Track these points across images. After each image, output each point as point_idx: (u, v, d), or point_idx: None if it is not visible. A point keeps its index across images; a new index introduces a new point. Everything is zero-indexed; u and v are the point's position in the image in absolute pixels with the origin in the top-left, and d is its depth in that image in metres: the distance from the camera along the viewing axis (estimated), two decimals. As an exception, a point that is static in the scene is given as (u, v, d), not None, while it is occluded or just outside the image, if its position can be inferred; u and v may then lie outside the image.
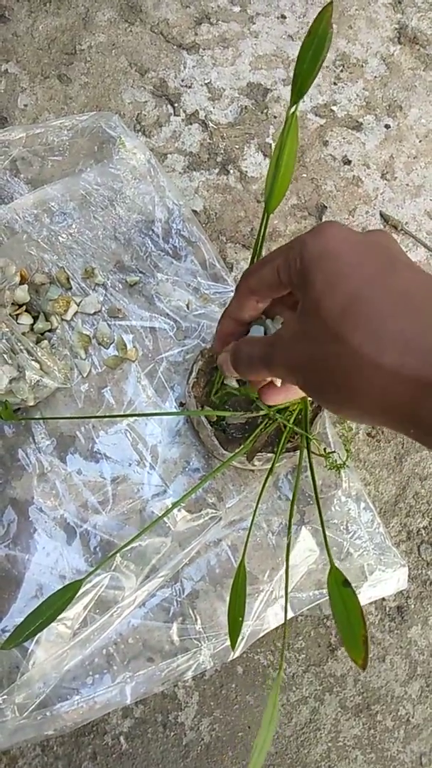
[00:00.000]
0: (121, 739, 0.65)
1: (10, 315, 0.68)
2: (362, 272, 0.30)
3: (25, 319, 0.69)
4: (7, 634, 0.64)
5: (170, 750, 0.65)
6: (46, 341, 0.69)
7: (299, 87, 0.45)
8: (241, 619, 0.53)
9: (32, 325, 0.70)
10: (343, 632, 0.45)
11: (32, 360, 0.67)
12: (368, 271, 0.30)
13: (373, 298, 0.29)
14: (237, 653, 0.64)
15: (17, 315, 0.70)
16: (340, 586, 0.46)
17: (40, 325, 0.70)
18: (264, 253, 0.75)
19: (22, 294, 0.69)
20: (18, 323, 0.69)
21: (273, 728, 0.42)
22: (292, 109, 0.46)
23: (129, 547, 0.66)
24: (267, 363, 0.36)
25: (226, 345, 0.44)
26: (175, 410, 0.70)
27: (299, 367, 0.33)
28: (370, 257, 0.32)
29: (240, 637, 0.65)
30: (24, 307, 0.70)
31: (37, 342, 0.69)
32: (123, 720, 0.66)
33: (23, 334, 0.68)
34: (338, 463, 0.66)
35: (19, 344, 0.66)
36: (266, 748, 0.41)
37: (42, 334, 0.70)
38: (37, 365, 0.67)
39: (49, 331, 0.70)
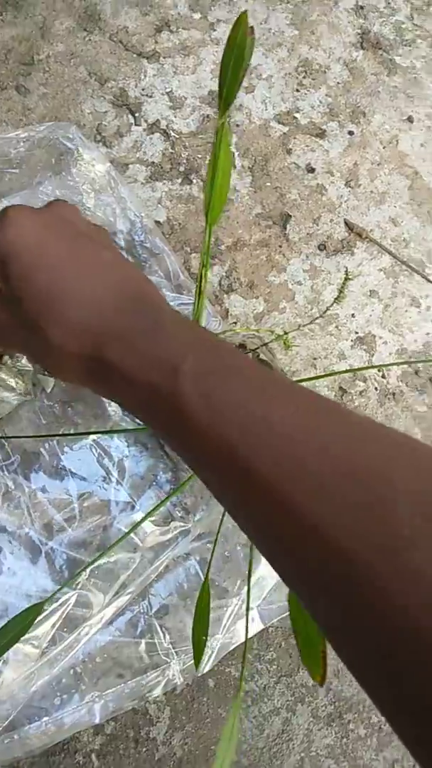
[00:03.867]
0: (93, 756, 0.65)
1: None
2: (48, 263, 0.35)
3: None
4: (-26, 656, 0.64)
5: (142, 766, 0.65)
6: (6, 356, 0.68)
7: (225, 97, 0.45)
8: (205, 638, 0.53)
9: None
10: (303, 647, 0.45)
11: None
12: (53, 261, 0.35)
13: (58, 292, 0.35)
14: (207, 668, 0.64)
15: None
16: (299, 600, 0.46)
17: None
18: (214, 267, 0.74)
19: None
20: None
21: (233, 745, 0.42)
22: (221, 121, 0.45)
23: (96, 565, 0.66)
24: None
25: None
26: (140, 425, 0.70)
27: (20, 347, 0.40)
28: (53, 243, 0.36)
29: (209, 652, 0.65)
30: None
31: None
32: (94, 737, 0.65)
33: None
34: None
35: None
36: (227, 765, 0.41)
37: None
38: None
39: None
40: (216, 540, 0.56)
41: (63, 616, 0.64)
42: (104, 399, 0.69)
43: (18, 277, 0.35)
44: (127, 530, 0.67)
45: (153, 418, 0.34)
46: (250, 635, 0.66)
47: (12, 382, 0.67)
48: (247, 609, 0.51)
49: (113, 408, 0.70)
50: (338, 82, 0.82)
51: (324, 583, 0.26)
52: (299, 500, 0.26)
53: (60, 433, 0.69)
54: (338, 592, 0.25)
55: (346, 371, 0.52)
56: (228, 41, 0.45)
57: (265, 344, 0.64)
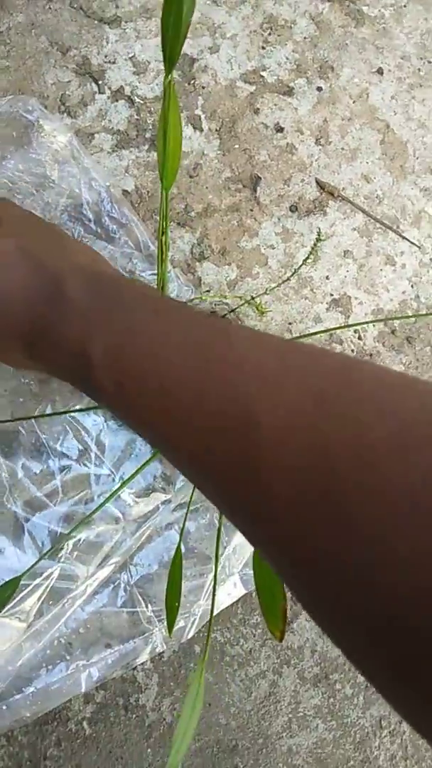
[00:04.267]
0: (84, 724, 0.66)
1: None
2: None
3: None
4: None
5: (133, 731, 0.66)
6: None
7: (168, 55, 0.44)
8: (177, 604, 0.53)
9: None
10: (264, 603, 0.45)
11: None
12: None
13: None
14: (190, 635, 0.65)
15: None
16: (262, 559, 0.46)
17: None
18: (185, 235, 0.73)
19: None
20: None
21: (197, 715, 0.43)
22: (167, 80, 0.44)
23: (80, 538, 0.66)
24: None
25: None
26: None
27: None
28: None
29: (192, 618, 0.65)
30: None
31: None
32: (85, 706, 0.66)
33: None
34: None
35: None
36: (188, 737, 0.42)
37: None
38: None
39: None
40: (188, 506, 0.56)
41: (48, 590, 0.65)
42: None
43: None
44: (109, 503, 0.67)
45: (81, 390, 0.38)
46: (233, 600, 0.67)
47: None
48: (215, 580, 0.51)
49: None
50: (305, 37, 0.80)
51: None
52: (186, 446, 0.32)
53: (36, 414, 0.69)
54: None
55: (321, 332, 0.51)
56: (165, -2, 0.43)
57: (233, 310, 0.64)
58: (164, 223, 0.55)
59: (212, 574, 0.67)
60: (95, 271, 0.40)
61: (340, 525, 0.24)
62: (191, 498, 0.60)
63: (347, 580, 0.23)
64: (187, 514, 0.57)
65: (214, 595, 0.52)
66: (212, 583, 0.66)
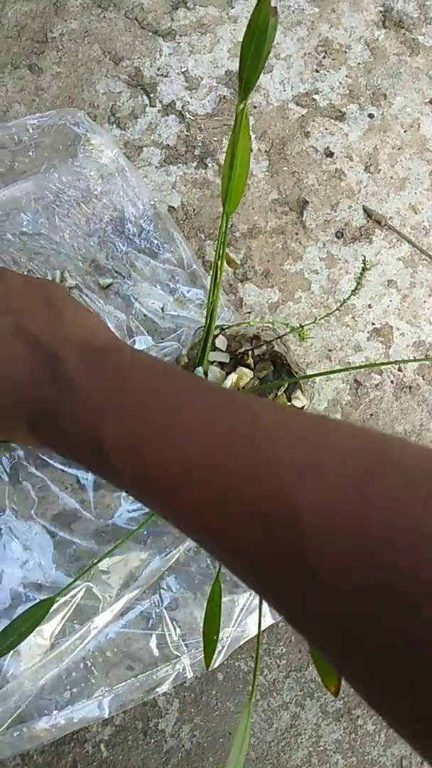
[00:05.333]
0: (102, 747, 0.65)
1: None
2: None
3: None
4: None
5: (151, 757, 0.65)
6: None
7: (245, 83, 0.43)
8: (216, 637, 0.52)
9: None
10: (316, 658, 0.44)
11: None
12: None
13: None
14: (217, 663, 0.64)
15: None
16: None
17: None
18: (227, 252, 0.72)
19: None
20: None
21: (244, 751, 0.42)
22: (241, 107, 0.44)
23: (107, 557, 0.65)
24: None
25: None
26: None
27: None
28: None
29: (220, 646, 0.64)
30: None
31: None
32: (103, 728, 0.65)
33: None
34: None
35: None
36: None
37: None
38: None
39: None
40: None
41: (72, 608, 0.64)
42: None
43: None
44: (138, 521, 0.66)
45: (96, 474, 0.38)
46: (262, 629, 0.66)
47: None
48: (260, 605, 0.50)
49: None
50: (359, 63, 0.79)
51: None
52: (217, 537, 0.30)
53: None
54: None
55: (362, 366, 0.51)
56: (249, 23, 0.43)
57: (280, 337, 0.63)
58: (222, 248, 0.54)
59: (242, 602, 0.66)
60: (97, 347, 0.37)
61: (404, 618, 0.23)
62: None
63: (406, 677, 0.22)
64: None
65: (260, 625, 0.51)
66: (242, 609, 0.65)
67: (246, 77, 0.47)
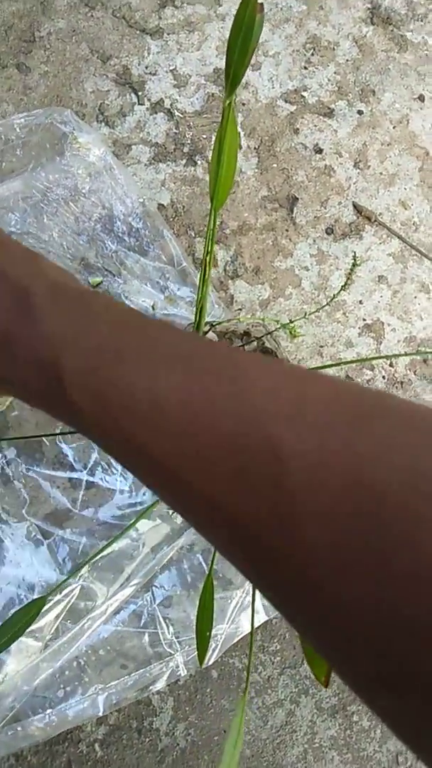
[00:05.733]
0: (96, 746, 0.65)
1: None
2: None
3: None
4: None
5: (146, 756, 0.65)
6: None
7: (232, 78, 0.43)
8: (209, 633, 0.52)
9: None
10: (308, 648, 0.44)
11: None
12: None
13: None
14: (211, 660, 0.63)
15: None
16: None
17: None
18: (219, 252, 0.72)
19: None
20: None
21: (239, 749, 0.42)
22: (228, 101, 0.44)
23: (99, 555, 0.65)
24: None
25: None
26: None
27: None
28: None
29: (214, 644, 0.64)
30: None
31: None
32: (97, 727, 0.65)
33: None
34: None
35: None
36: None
37: None
38: None
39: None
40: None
41: (67, 608, 0.63)
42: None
43: None
44: (130, 521, 0.66)
45: (54, 415, 0.32)
46: (255, 627, 0.65)
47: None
48: (253, 601, 0.50)
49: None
50: (347, 60, 0.79)
51: (235, 558, 0.25)
52: (187, 477, 0.25)
53: (59, 432, 0.68)
54: (246, 568, 0.25)
55: (354, 361, 0.51)
56: (236, 19, 0.43)
57: (269, 333, 0.63)
58: (210, 244, 0.54)
59: (235, 599, 0.66)
60: (66, 284, 0.35)
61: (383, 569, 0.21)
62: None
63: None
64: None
65: (252, 621, 0.51)
66: (236, 606, 0.65)
67: (233, 72, 0.47)
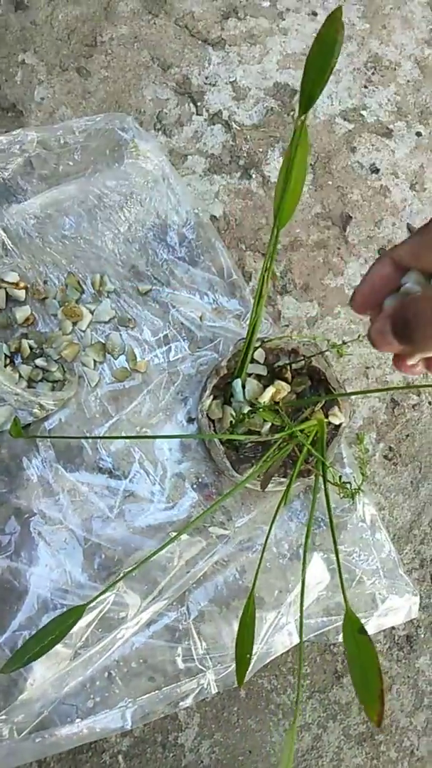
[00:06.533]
0: (120, 758, 0.64)
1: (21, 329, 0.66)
2: None
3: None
4: (6, 648, 0.63)
5: (169, 772, 0.64)
6: (52, 348, 0.67)
7: (307, 97, 0.43)
8: (249, 656, 0.51)
9: (35, 347, 0.68)
10: (358, 685, 0.43)
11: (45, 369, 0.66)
12: None
13: None
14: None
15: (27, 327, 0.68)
16: (356, 634, 0.44)
17: (46, 348, 0.68)
18: (274, 267, 0.72)
19: (23, 314, 0.67)
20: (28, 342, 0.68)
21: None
22: (302, 119, 0.43)
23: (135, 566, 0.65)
24: None
25: (370, 306, 0.37)
26: (185, 424, 0.68)
27: None
28: None
29: (244, 663, 0.63)
30: (29, 320, 0.68)
31: (42, 355, 0.67)
32: (122, 739, 0.64)
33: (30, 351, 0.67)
34: (353, 489, 0.64)
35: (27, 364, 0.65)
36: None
37: (40, 347, 0.68)
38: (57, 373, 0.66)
39: (51, 347, 0.68)
40: (263, 551, 0.54)
41: (99, 617, 0.63)
42: (148, 398, 0.68)
43: None
44: (166, 531, 0.66)
45: None
46: (285, 649, 0.65)
47: (68, 376, 0.66)
48: (301, 623, 0.49)
49: (156, 407, 0.68)
50: (408, 80, 0.79)
51: None
52: None
53: (103, 432, 0.67)
54: None
55: (401, 388, 0.50)
56: (318, 36, 0.42)
57: (321, 353, 0.62)
58: (270, 261, 0.54)
59: (269, 621, 0.65)
60: None
61: None
62: (265, 544, 0.58)
63: None
64: (261, 559, 0.55)
65: (301, 638, 0.50)
66: (270, 627, 0.64)
67: (309, 90, 0.47)
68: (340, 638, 0.65)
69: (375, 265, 0.35)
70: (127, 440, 0.68)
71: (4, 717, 0.59)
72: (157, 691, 0.61)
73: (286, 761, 0.40)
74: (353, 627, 0.44)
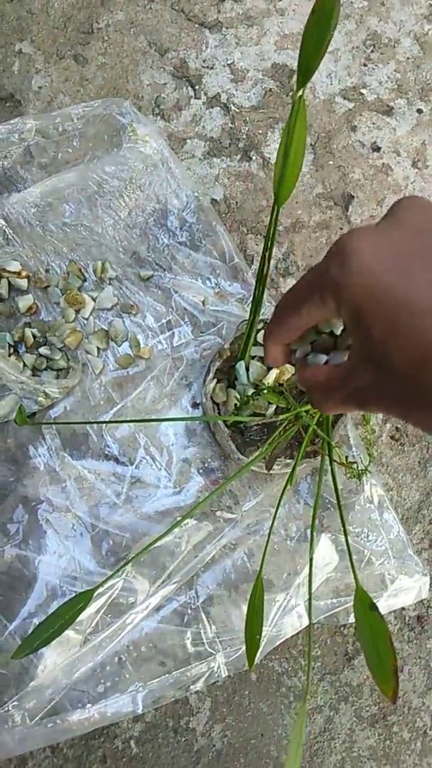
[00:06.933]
0: (132, 743, 0.64)
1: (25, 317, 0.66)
2: (415, 305, 0.28)
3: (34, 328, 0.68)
4: (16, 636, 0.63)
5: (181, 756, 0.64)
6: (55, 336, 0.67)
7: (305, 70, 0.42)
8: (258, 637, 0.51)
9: (39, 334, 0.68)
10: (371, 661, 0.43)
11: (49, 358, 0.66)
12: (419, 301, 0.28)
13: None
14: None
15: (31, 315, 0.68)
16: (367, 610, 0.44)
17: (49, 335, 0.68)
18: (275, 250, 0.71)
19: (26, 303, 0.67)
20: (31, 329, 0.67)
21: (299, 753, 0.41)
22: (299, 93, 0.43)
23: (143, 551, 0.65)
24: (360, 404, 0.34)
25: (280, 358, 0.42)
26: (190, 409, 0.68)
27: (394, 407, 0.31)
28: (410, 271, 0.28)
29: (254, 646, 0.63)
30: (32, 309, 0.68)
31: (45, 343, 0.67)
32: (134, 724, 0.64)
33: (33, 339, 0.66)
34: (360, 469, 0.63)
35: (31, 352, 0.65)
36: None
37: (44, 336, 0.68)
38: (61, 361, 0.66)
39: (54, 335, 0.68)
40: (270, 534, 0.53)
41: (108, 602, 0.63)
42: (152, 383, 0.68)
43: (383, 331, 0.29)
44: (173, 517, 0.66)
45: None
46: (295, 632, 0.64)
47: (71, 365, 0.66)
48: (310, 605, 0.49)
49: (161, 393, 0.68)
50: (408, 57, 0.78)
51: None
52: None
53: (108, 419, 0.67)
54: None
55: None
56: (313, 9, 0.42)
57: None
58: (271, 241, 0.53)
59: (278, 603, 0.65)
60: None
61: None
62: (272, 526, 0.57)
63: None
64: (267, 544, 0.55)
65: (310, 622, 0.50)
66: (279, 609, 0.64)
67: (306, 64, 0.46)
68: (351, 619, 0.65)
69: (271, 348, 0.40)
70: (133, 427, 0.68)
71: (16, 703, 0.59)
72: (167, 675, 0.61)
73: (295, 745, 0.40)
74: (364, 603, 0.44)
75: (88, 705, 0.60)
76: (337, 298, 0.30)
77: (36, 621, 0.63)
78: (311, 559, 0.51)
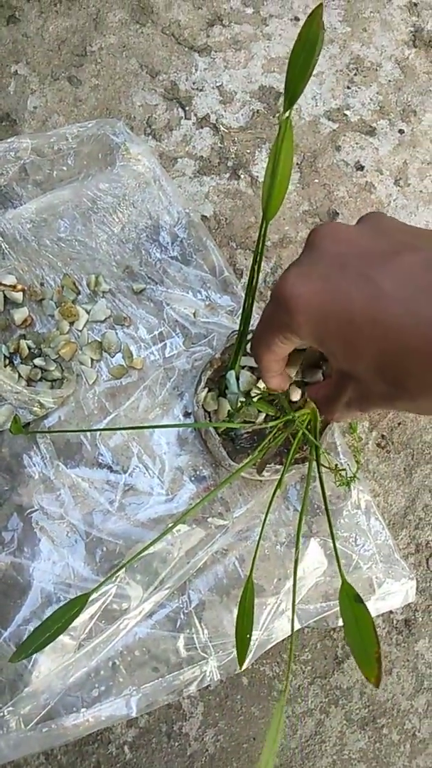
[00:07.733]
0: (125, 748, 0.65)
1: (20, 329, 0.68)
2: (358, 321, 0.32)
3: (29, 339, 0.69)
4: (11, 643, 0.64)
5: (174, 760, 0.65)
6: (50, 348, 0.69)
7: (291, 92, 0.45)
8: (249, 636, 0.52)
9: (34, 346, 0.70)
10: (356, 649, 0.44)
11: (44, 368, 0.67)
12: (361, 316, 0.32)
13: (400, 350, 0.31)
14: (243, 667, 0.64)
15: (25, 328, 0.69)
16: (352, 602, 0.46)
17: (46, 346, 0.69)
18: (264, 264, 0.74)
19: (21, 316, 0.69)
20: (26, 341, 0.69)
21: (275, 749, 0.42)
22: (285, 115, 0.45)
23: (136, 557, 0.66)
24: (360, 409, 0.40)
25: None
26: (181, 418, 0.70)
27: (387, 405, 0.36)
28: (345, 295, 0.32)
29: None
30: (27, 321, 0.70)
31: (40, 354, 0.69)
32: (127, 729, 0.65)
33: (29, 351, 0.68)
34: (348, 477, 0.65)
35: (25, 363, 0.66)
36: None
37: (39, 347, 0.69)
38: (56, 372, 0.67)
39: (49, 347, 0.69)
40: (259, 539, 0.55)
41: (102, 608, 0.64)
42: (145, 393, 0.69)
43: (345, 353, 0.33)
44: (166, 523, 0.67)
45: None
46: (285, 635, 0.66)
47: (66, 375, 0.68)
48: (293, 608, 0.50)
49: (153, 403, 0.70)
50: (390, 80, 0.81)
51: None
52: None
53: (102, 427, 0.69)
54: None
55: None
56: (300, 34, 0.44)
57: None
58: (259, 256, 0.55)
59: (269, 606, 0.66)
60: None
61: None
62: (261, 531, 0.59)
63: None
64: (257, 549, 0.57)
65: (293, 623, 0.51)
66: (269, 614, 0.66)
67: (293, 86, 0.49)
68: (340, 622, 0.66)
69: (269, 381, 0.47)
70: (126, 435, 0.69)
71: (11, 709, 0.60)
72: (160, 679, 0.62)
73: (270, 744, 0.41)
74: (348, 595, 0.45)
75: (83, 710, 0.61)
76: (296, 335, 0.35)
77: (30, 627, 0.64)
78: (296, 563, 0.52)
